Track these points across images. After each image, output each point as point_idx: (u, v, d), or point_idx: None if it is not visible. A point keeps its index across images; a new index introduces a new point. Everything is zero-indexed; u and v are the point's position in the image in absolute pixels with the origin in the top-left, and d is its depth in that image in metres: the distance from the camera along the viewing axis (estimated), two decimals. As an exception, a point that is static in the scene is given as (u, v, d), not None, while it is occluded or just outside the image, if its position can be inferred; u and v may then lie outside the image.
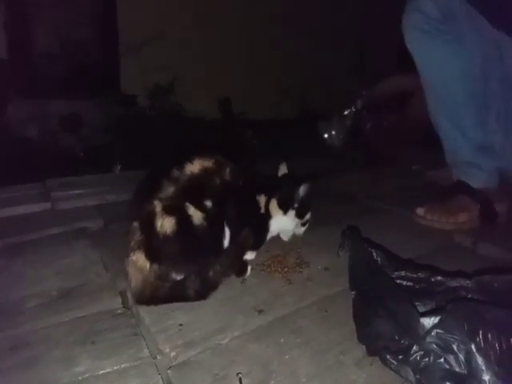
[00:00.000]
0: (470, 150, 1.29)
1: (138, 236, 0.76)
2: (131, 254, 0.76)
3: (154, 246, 0.75)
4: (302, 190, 0.95)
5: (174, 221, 0.75)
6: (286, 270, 0.92)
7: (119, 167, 1.92)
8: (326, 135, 2.15)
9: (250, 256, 0.95)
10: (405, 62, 1.46)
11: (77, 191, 1.38)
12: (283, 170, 1.05)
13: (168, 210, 0.76)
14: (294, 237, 1.04)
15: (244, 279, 0.88)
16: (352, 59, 4.19)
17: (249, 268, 0.90)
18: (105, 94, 3.09)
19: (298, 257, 0.98)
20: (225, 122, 3.40)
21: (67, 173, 1.72)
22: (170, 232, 0.74)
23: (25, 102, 2.83)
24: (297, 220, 0.99)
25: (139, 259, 0.75)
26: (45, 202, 1.30)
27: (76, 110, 2.95)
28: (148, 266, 0.75)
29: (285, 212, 0.96)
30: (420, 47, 1.26)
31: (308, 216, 1.01)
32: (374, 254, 0.78)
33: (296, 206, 0.96)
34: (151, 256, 0.75)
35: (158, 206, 0.76)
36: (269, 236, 0.99)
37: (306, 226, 1.03)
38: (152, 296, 0.77)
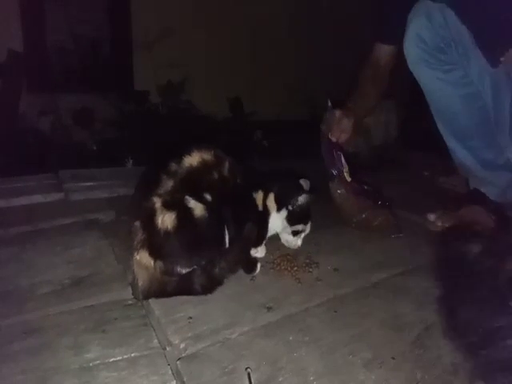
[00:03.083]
0: (480, 168, 1.26)
1: (140, 235, 0.76)
2: (135, 254, 0.77)
3: (156, 243, 0.75)
4: (302, 197, 0.92)
5: (174, 216, 0.75)
6: (295, 269, 0.92)
7: (131, 161, 1.93)
8: None
9: (259, 254, 0.95)
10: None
11: (89, 183, 1.39)
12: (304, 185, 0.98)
13: (168, 205, 0.76)
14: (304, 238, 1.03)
15: (253, 276, 0.88)
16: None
17: (258, 265, 0.90)
18: (117, 89, 3.12)
19: (307, 257, 0.98)
20: (235, 122, 3.41)
21: (79, 166, 1.74)
22: (171, 227, 0.75)
23: (38, 95, 2.87)
24: (285, 223, 0.94)
25: (143, 258, 0.76)
26: (57, 193, 1.31)
27: (89, 104, 2.98)
28: (152, 263, 0.75)
29: (279, 208, 0.93)
30: (420, 73, 1.24)
31: (300, 228, 0.96)
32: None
33: (290, 207, 0.93)
34: (155, 253, 0.75)
35: (157, 202, 0.76)
36: (269, 233, 0.97)
37: (299, 238, 0.97)
38: (160, 290, 0.77)
